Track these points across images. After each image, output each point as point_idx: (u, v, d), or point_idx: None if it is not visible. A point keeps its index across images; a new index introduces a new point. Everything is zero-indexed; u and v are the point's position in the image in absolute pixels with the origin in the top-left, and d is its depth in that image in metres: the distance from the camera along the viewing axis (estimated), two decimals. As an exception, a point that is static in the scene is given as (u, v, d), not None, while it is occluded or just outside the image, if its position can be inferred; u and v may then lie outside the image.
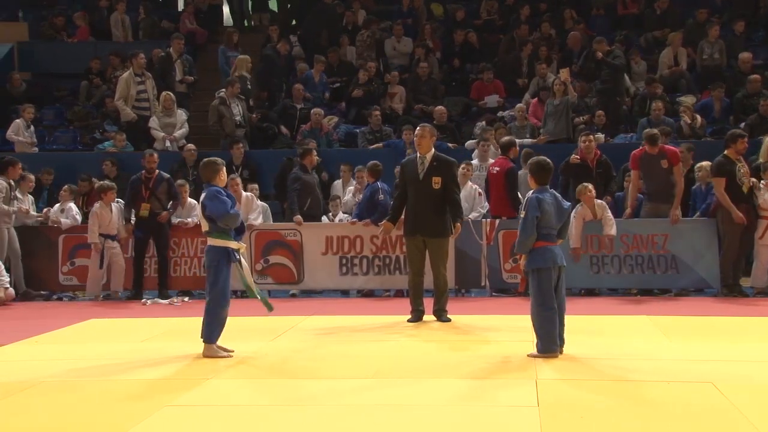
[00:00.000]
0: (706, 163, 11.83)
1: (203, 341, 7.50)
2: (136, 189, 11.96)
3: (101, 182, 12.44)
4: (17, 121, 15.01)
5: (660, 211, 11.51)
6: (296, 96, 15.40)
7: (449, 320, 9.33)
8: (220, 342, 7.56)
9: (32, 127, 15.16)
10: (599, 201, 11.36)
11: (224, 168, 7.74)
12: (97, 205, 11.99)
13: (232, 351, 7.59)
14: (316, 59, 16.17)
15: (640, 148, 11.69)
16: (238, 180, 12.25)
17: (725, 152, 11.31)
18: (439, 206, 9.33)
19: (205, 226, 7.59)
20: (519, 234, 7.25)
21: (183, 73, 15.97)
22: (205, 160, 7.86)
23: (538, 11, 18.09)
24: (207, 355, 7.45)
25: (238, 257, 7.61)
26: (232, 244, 7.54)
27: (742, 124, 14.15)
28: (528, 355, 7.24)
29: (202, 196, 7.60)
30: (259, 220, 12.08)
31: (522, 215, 7.25)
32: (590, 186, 11.29)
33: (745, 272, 11.48)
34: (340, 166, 13.41)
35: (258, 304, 11.24)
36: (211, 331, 7.48)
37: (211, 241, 7.55)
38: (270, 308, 7.85)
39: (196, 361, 7.39)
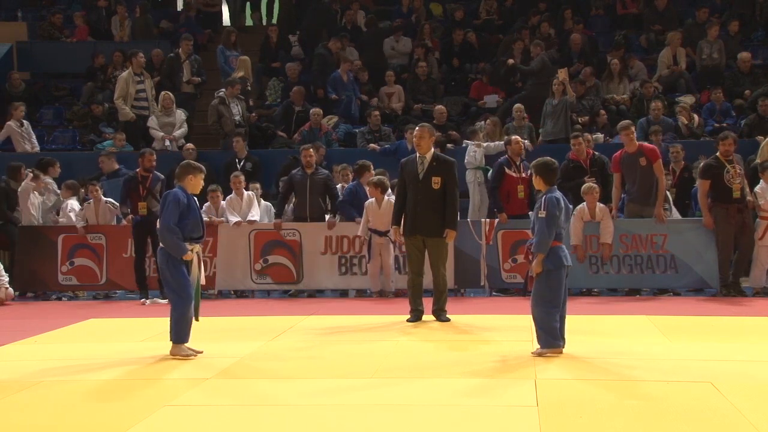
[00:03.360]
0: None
1: (172, 342, 7.47)
2: (132, 187, 11.78)
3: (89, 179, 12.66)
4: (8, 123, 14.98)
5: (643, 213, 11.49)
6: (296, 99, 15.38)
7: (448, 320, 9.33)
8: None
9: (27, 124, 15.04)
10: (601, 205, 11.36)
11: (200, 175, 7.61)
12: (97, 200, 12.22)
13: (201, 351, 7.56)
14: (343, 58, 16.07)
15: (621, 149, 11.69)
16: (241, 178, 12.26)
17: (716, 154, 11.32)
18: (439, 206, 9.32)
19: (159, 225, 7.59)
20: (540, 234, 7.22)
21: (191, 74, 16.00)
22: (184, 162, 7.86)
23: (537, 11, 18.09)
24: (174, 353, 7.43)
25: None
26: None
27: (743, 122, 14.18)
28: (532, 353, 7.26)
29: (165, 193, 7.62)
30: (256, 218, 12.07)
31: (542, 215, 7.24)
32: (597, 187, 11.31)
33: (744, 272, 11.47)
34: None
35: (257, 304, 11.27)
36: (179, 331, 7.45)
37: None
38: (196, 318, 7.66)
39: (195, 360, 7.39)
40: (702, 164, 11.54)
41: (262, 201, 12.61)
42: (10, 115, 15.03)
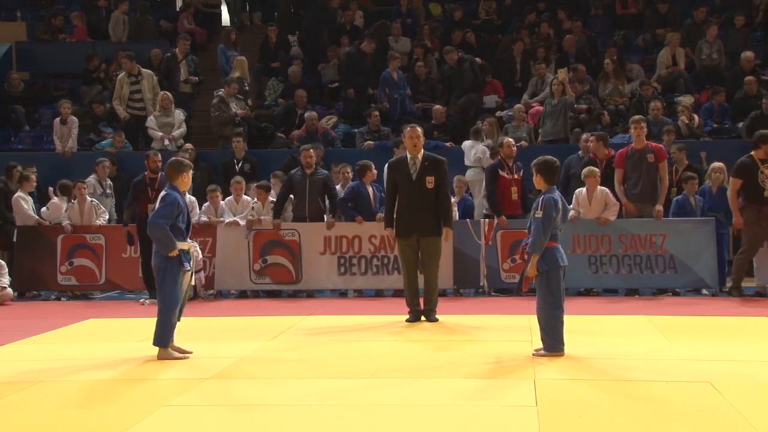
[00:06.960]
0: (718, 165, 11.74)
1: (156, 345, 7.46)
2: (140, 190, 11.61)
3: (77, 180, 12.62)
4: (55, 120, 15.03)
5: (643, 212, 11.46)
6: (298, 102, 15.37)
7: (437, 320, 9.33)
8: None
9: (72, 122, 14.94)
10: (602, 188, 11.36)
11: (190, 171, 7.67)
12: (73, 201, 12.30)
13: (191, 352, 7.56)
14: (391, 56, 15.94)
15: (628, 146, 11.71)
16: (243, 184, 12.25)
17: (752, 152, 11.02)
18: (433, 205, 9.33)
19: None
20: (536, 234, 7.22)
21: (188, 74, 15.99)
22: (172, 159, 7.85)
23: (536, 11, 18.09)
24: (161, 357, 7.42)
25: (188, 258, 7.51)
26: (183, 245, 7.47)
27: (740, 125, 14.15)
28: (534, 353, 7.27)
29: (162, 194, 7.57)
30: (241, 222, 12.00)
31: (538, 215, 7.24)
32: (598, 171, 11.32)
33: (746, 272, 11.42)
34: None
35: (256, 304, 11.25)
36: (162, 335, 7.43)
37: None
38: (178, 319, 7.62)
39: (194, 360, 7.40)
40: (737, 162, 11.13)
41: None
42: (59, 112, 15.13)
